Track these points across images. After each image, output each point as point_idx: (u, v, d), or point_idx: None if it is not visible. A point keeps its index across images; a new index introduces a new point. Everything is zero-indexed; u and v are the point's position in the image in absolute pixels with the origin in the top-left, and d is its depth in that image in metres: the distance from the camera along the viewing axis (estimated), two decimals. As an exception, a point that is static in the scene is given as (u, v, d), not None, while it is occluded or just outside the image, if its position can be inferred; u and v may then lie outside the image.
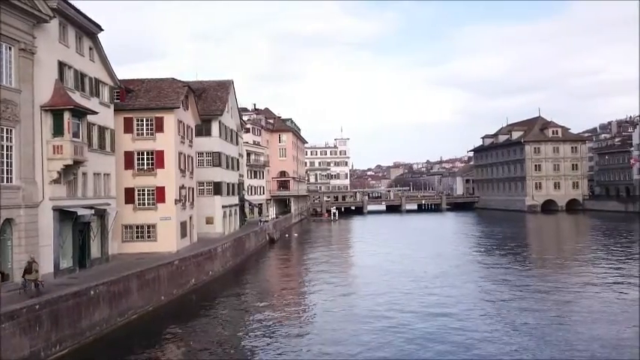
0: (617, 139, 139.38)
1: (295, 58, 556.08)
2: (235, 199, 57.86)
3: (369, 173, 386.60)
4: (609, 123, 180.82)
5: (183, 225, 41.21)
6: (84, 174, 30.96)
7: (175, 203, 39.28)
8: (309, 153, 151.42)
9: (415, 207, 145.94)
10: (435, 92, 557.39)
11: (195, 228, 45.45)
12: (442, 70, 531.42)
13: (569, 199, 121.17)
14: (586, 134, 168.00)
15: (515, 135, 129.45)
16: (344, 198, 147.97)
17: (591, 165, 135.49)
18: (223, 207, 51.68)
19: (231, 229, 54.34)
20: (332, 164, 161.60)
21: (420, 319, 26.39)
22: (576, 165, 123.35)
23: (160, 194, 38.86)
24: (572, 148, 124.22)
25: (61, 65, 29.01)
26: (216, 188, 50.69)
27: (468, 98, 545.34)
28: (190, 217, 43.89)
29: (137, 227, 38.56)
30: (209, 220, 49.89)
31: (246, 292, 35.68)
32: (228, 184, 53.80)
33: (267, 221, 71.44)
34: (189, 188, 43.49)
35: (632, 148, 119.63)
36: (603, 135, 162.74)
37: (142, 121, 39.11)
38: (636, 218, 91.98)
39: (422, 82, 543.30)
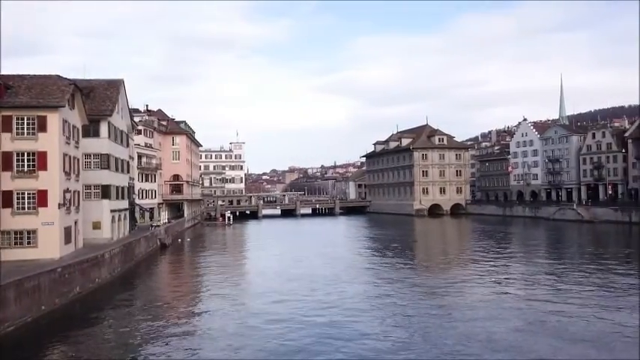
0: (496, 148, 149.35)
1: (191, 60, 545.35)
2: (125, 203, 55.80)
3: (264, 177, 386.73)
4: (489, 132, 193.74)
5: (67, 230, 39.16)
6: (-45, 176, 28.62)
7: (59, 207, 37.26)
8: (203, 157, 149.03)
9: (310, 211, 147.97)
10: (329, 99, 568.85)
11: (80, 233, 43.32)
12: (337, 78, 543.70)
13: (454, 204, 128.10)
14: (469, 142, 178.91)
15: (405, 142, 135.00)
16: (239, 202, 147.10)
17: (473, 171, 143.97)
18: (112, 211, 49.67)
19: (120, 235, 52.32)
20: (227, 168, 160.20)
21: (311, 320, 26.94)
22: (460, 171, 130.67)
23: (41, 198, 36.65)
24: (456, 155, 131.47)
25: None
26: (105, 192, 48.58)
27: (361, 105, 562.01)
28: (76, 222, 41.80)
29: (16, 233, 36.05)
30: (96, 225, 47.69)
31: (135, 301, 34.53)
32: (117, 187, 51.78)
33: (158, 226, 69.50)
34: (74, 192, 41.41)
35: (509, 156, 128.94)
36: (484, 143, 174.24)
37: (23, 119, 36.66)
38: (512, 221, 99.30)
39: (317, 89, 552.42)
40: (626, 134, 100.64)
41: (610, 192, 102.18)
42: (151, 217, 77.45)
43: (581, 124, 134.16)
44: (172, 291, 38.97)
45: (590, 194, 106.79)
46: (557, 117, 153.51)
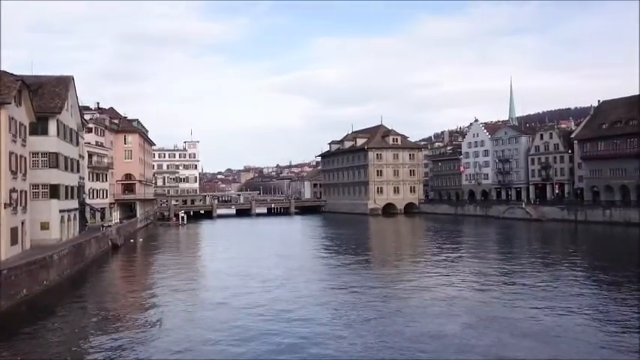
0: (448, 148, 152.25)
1: (145, 57, 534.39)
2: (75, 203, 54.46)
3: (219, 177, 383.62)
4: (442, 132, 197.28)
5: (13, 231, 37.94)
6: None
7: (5, 207, 36.07)
8: (156, 155, 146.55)
9: (265, 210, 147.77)
10: (286, 98, 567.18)
11: (28, 234, 42.03)
12: (293, 78, 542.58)
13: (407, 203, 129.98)
14: (422, 142, 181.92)
15: (360, 142, 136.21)
16: (193, 202, 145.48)
17: (426, 171, 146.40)
18: (61, 211, 48.36)
19: (69, 235, 51.00)
20: (181, 167, 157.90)
21: (267, 320, 26.90)
22: (413, 171, 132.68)
23: (-14, 198, 35.41)
24: (410, 155, 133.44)
25: None
26: (53, 191, 47.23)
27: (317, 105, 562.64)
28: (22, 223, 40.54)
29: (-42, 234, 34.76)
30: (44, 226, 46.31)
31: (85, 302, 33.70)
32: (66, 186, 50.45)
33: (110, 226, 68.06)
34: (21, 191, 40.13)
35: (461, 156, 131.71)
36: (437, 143, 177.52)
37: (-34, 116, 35.39)
38: (464, 220, 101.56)
39: (273, 88, 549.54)
40: (572, 135, 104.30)
41: (557, 191, 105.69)
42: (102, 217, 75.81)
43: (529, 125, 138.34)
44: (123, 292, 38.24)
45: (538, 193, 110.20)
46: (507, 118, 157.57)
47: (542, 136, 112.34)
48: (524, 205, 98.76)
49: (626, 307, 28.18)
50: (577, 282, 36.10)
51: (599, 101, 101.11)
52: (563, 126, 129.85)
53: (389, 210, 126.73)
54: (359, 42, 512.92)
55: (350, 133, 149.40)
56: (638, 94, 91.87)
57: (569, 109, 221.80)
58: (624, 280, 36.09)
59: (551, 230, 78.58)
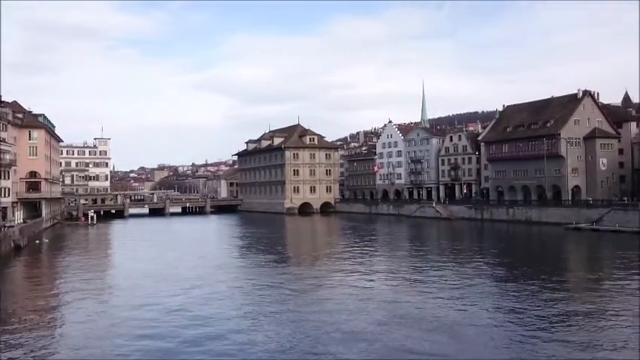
0: (364, 148, 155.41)
1: (52, 49, 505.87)
2: (-27, 202, 51.27)
3: (132, 175, 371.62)
4: (358, 133, 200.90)
5: None
6: None
7: None
8: (65, 152, 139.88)
9: (179, 210, 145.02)
10: (203, 96, 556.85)
11: None
12: (209, 75, 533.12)
13: (323, 202, 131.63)
14: (338, 142, 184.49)
15: (277, 141, 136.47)
16: (103, 201, 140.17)
17: (342, 171, 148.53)
18: (-43, 211, 45.42)
19: (-34, 236, 47.94)
20: (91, 165, 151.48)
21: (182, 322, 26.66)
22: (330, 170, 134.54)
23: None
24: (326, 155, 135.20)
25: None
26: (-51, 190, 44.33)
27: (235, 104, 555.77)
28: None
29: None
30: (-62, 227, 43.39)
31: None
32: (-37, 185, 47.45)
33: (12, 226, 64.49)
34: None
35: (376, 157, 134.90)
36: (353, 144, 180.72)
37: None
38: (377, 219, 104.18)
39: (190, 85, 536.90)
40: (479, 138, 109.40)
41: (465, 191, 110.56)
42: (4, 217, 71.69)
43: (440, 127, 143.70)
44: (27, 298, 36.31)
45: (447, 193, 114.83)
46: (419, 120, 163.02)
47: (451, 138, 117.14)
48: (434, 205, 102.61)
49: (527, 301, 30.02)
50: (483, 278, 38.08)
51: (504, 106, 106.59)
52: (471, 129, 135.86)
53: (305, 209, 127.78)
54: (277, 41, 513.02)
55: (267, 132, 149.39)
56: (539, 99, 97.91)
57: (476, 112, 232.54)
58: (526, 275, 38.44)
59: (460, 228, 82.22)
